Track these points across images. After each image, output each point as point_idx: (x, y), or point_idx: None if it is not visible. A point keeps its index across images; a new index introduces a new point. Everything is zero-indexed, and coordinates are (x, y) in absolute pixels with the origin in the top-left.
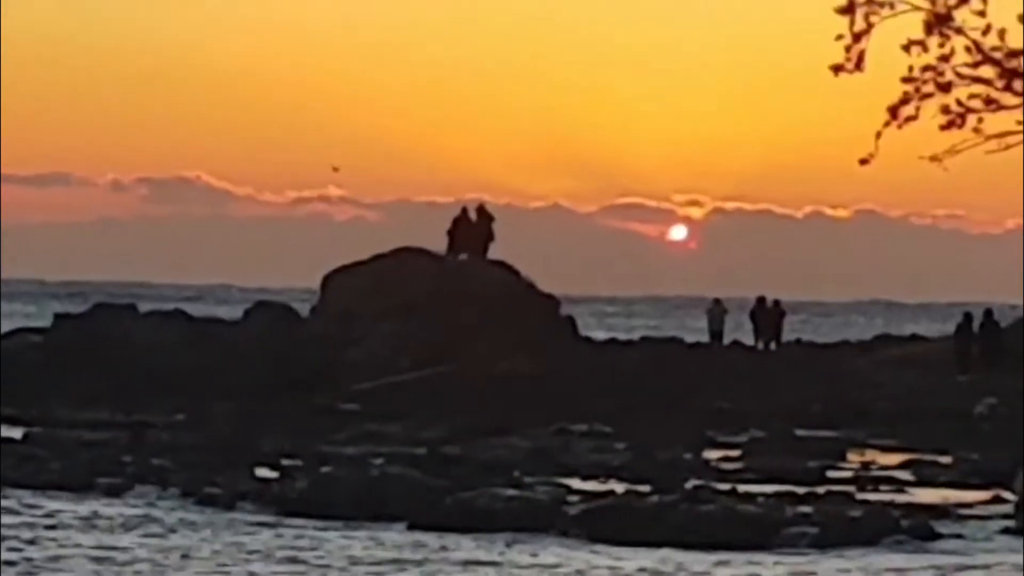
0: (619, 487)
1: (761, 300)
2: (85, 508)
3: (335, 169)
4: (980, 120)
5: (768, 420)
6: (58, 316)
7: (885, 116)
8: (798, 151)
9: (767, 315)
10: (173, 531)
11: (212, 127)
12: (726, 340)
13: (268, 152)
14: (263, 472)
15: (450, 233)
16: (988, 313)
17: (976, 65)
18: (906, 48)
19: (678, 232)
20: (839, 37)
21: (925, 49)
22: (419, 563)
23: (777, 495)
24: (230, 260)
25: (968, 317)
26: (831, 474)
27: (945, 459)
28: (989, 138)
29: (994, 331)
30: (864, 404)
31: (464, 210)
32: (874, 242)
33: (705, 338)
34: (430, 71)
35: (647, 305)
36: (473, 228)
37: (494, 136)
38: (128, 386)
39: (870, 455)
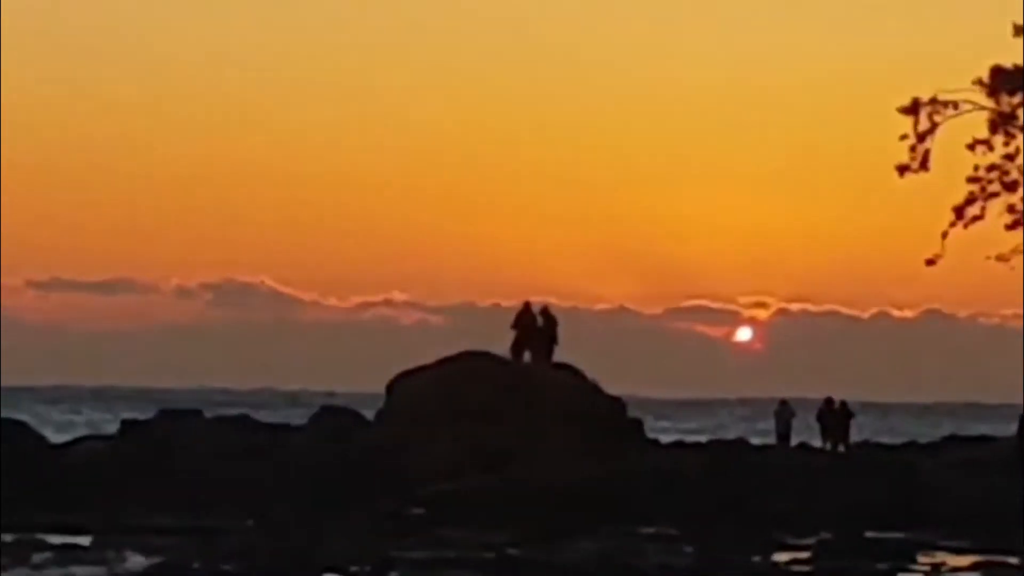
0: None
1: (828, 401)
2: None
3: None
4: None
5: (837, 522)
6: (125, 422)
7: (951, 216)
8: (863, 251)
9: (834, 416)
10: None
11: (275, 232)
12: (793, 442)
13: (332, 257)
14: None
15: (514, 327)
16: None
17: None
18: (971, 147)
19: (744, 333)
20: (904, 137)
21: (990, 148)
22: None
23: None
24: (296, 365)
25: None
26: None
27: (1015, 560)
28: None
29: None
30: (933, 505)
31: (527, 304)
32: (941, 342)
33: (772, 440)
34: (494, 175)
35: (713, 407)
36: (538, 330)
37: (558, 239)
38: (195, 492)
39: (940, 556)
